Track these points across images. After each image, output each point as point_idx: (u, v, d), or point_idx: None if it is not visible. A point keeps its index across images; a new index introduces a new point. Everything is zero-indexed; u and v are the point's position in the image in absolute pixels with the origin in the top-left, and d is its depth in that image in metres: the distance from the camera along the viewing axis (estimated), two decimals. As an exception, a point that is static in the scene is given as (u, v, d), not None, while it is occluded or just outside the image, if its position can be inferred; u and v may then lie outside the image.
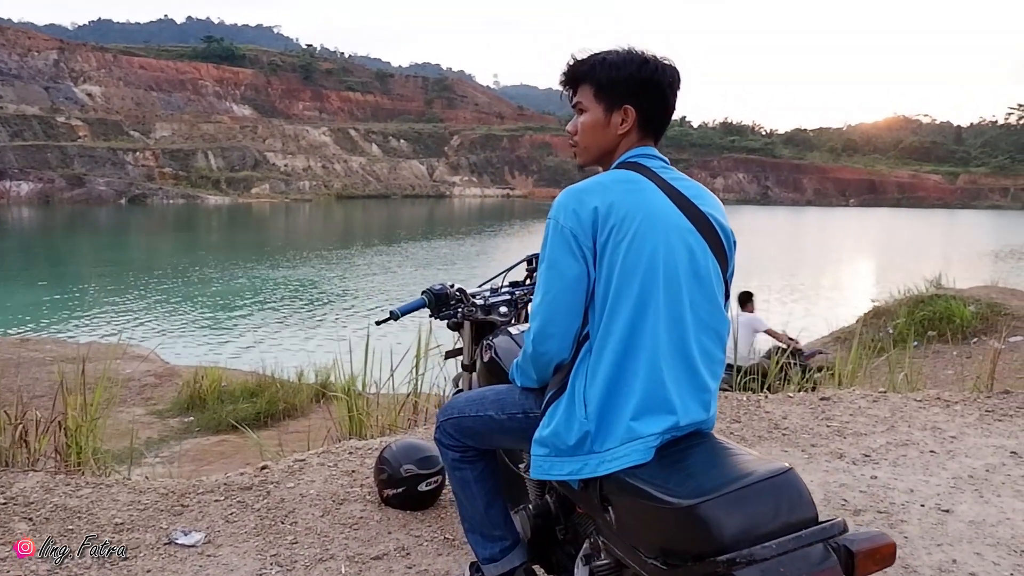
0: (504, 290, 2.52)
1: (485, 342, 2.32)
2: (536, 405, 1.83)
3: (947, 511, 3.22)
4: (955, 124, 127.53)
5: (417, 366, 4.77)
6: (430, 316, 2.43)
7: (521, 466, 2.19)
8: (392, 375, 4.77)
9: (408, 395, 4.77)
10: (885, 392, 5.09)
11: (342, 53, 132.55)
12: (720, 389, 6.86)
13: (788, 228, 55.99)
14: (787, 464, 1.44)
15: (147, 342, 14.89)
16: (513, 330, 2.28)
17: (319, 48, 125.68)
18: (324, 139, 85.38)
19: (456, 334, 2.60)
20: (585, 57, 1.80)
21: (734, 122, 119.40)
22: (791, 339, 8.99)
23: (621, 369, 1.61)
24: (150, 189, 65.40)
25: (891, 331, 11.64)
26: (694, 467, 1.50)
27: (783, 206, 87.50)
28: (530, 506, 2.14)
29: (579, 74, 1.82)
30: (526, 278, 2.60)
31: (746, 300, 9.04)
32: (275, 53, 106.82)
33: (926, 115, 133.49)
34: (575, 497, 1.74)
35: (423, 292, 2.39)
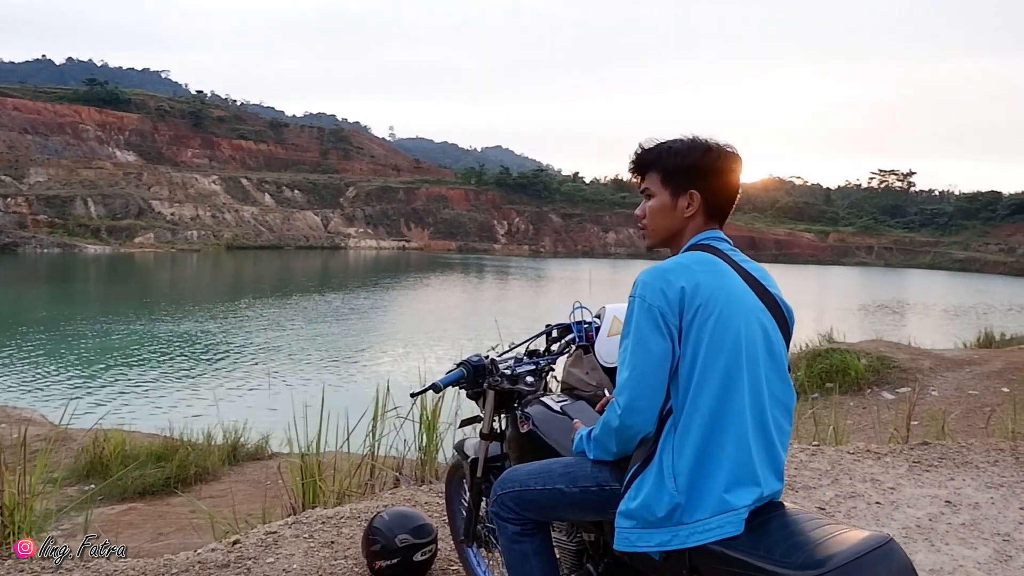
0: (528, 360, 2.55)
1: (519, 412, 2.34)
2: (612, 478, 1.87)
3: (908, 561, 3.42)
4: (824, 186, 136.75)
5: (374, 430, 4.67)
6: (461, 388, 2.44)
7: (558, 535, 2.21)
8: (348, 438, 4.64)
9: (364, 458, 4.66)
10: (819, 445, 5.37)
11: (234, 100, 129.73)
12: None
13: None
14: (888, 533, 1.53)
15: (24, 402, 13.86)
16: (549, 400, 2.31)
17: (210, 94, 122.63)
18: (214, 187, 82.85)
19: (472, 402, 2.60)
20: (652, 146, 1.92)
21: (624, 179, 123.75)
22: None
23: (709, 443, 1.69)
24: (22, 237, 61.42)
25: (793, 384, 12.26)
26: (792, 538, 1.57)
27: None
28: None
29: (646, 162, 1.93)
30: (546, 349, 2.65)
31: None
32: (163, 98, 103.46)
33: (798, 177, 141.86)
34: (652, 568, 1.78)
35: (461, 364, 2.41)
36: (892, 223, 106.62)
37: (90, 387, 15.91)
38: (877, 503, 4.18)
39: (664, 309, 1.72)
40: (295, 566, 3.11)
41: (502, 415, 2.53)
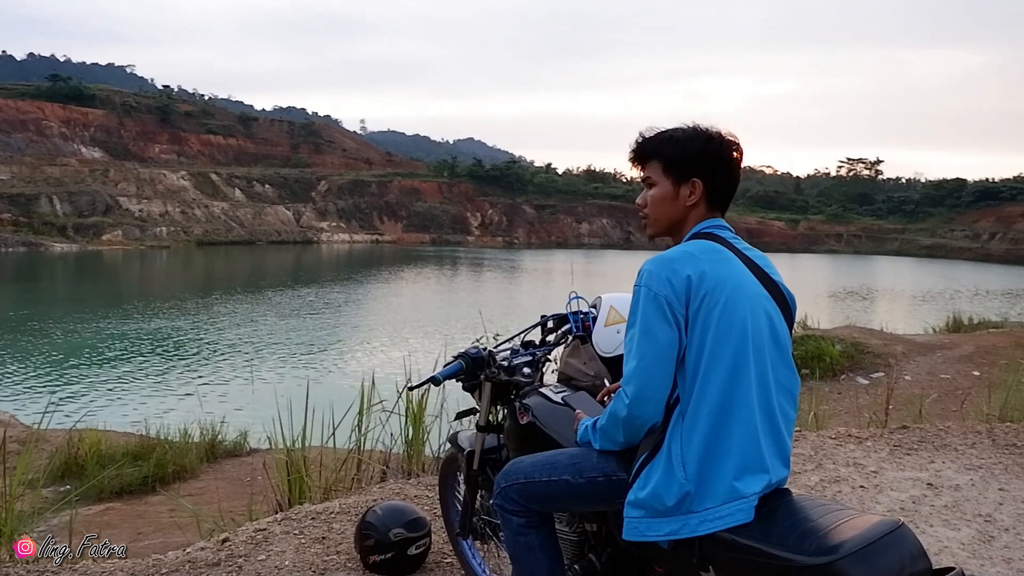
0: (524, 351, 2.54)
1: (518, 404, 2.32)
2: (619, 468, 1.87)
3: (894, 543, 3.47)
4: (794, 175, 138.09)
5: (360, 424, 4.64)
6: (458, 380, 2.42)
7: (559, 526, 2.21)
8: (334, 433, 4.60)
9: (350, 453, 4.62)
10: (801, 431, 5.43)
11: (202, 95, 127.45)
12: None
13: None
14: (900, 519, 1.55)
15: (-4, 404, 13.59)
16: (547, 391, 2.31)
17: (176, 89, 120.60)
18: (183, 183, 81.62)
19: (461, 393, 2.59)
20: (653, 135, 1.91)
21: (597, 169, 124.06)
22: None
23: (718, 431, 1.69)
24: (-14, 237, 60.16)
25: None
26: (804, 524, 1.58)
27: (645, 250, 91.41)
28: (576, 566, 2.15)
29: (648, 151, 1.92)
30: (542, 340, 2.64)
31: None
32: (128, 93, 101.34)
33: (768, 167, 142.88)
34: (660, 557, 1.78)
35: (459, 356, 2.39)
36: (860, 211, 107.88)
37: (61, 387, 15.64)
38: (861, 487, 4.24)
39: (670, 298, 1.72)
40: (287, 563, 3.08)
41: (498, 407, 2.52)
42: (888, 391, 6.40)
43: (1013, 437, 5.24)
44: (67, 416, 12.38)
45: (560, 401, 2.24)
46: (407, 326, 24.41)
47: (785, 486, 1.80)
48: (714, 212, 1.92)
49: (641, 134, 1.94)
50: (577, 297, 2.57)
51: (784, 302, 1.85)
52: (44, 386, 15.62)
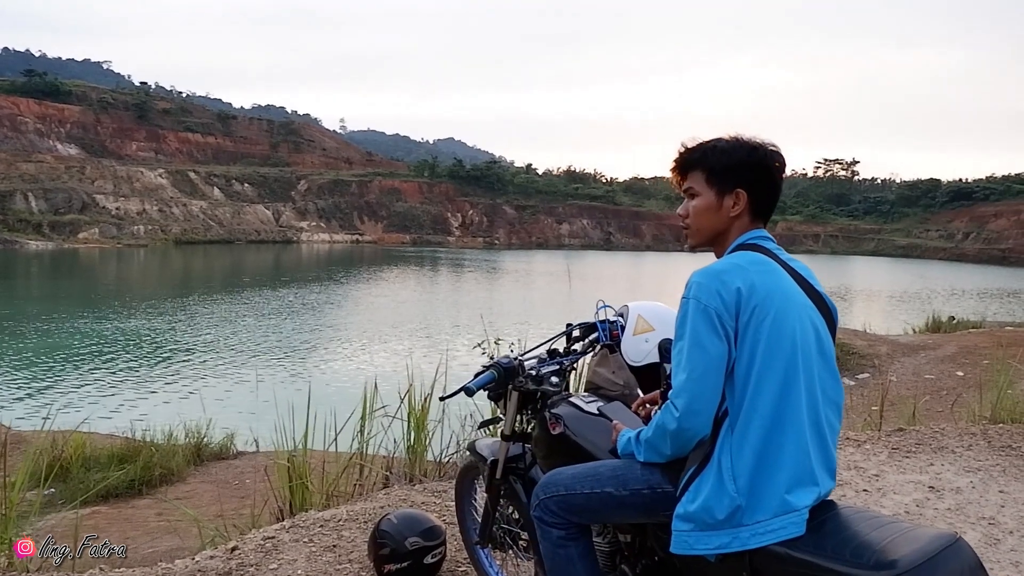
0: (551, 360, 2.52)
1: (548, 414, 2.30)
2: (664, 480, 1.85)
3: (903, 547, 3.49)
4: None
5: (363, 429, 4.59)
6: (486, 390, 2.39)
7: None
8: (336, 438, 4.55)
9: (352, 458, 4.57)
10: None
11: (180, 92, 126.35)
12: None
13: (632, 272, 58.69)
14: (956, 532, 1.54)
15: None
16: (578, 401, 2.28)
17: (154, 86, 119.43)
18: (161, 181, 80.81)
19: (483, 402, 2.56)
20: (695, 145, 1.90)
21: (577, 170, 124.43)
22: None
23: (769, 444, 1.68)
24: (-41, 234, 59.20)
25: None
26: (858, 537, 1.57)
27: (625, 251, 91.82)
28: None
29: (690, 161, 1.91)
30: (566, 349, 2.61)
31: None
32: (105, 90, 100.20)
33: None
34: (705, 571, 1.77)
35: (491, 366, 2.36)
36: (837, 211, 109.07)
37: (38, 388, 15.39)
38: (864, 491, 4.26)
39: (720, 310, 1.71)
40: (299, 571, 3.04)
41: (522, 416, 2.49)
42: (883, 393, 6.44)
43: (1008, 439, 5.29)
44: (59, 416, 12.20)
45: (595, 411, 2.22)
46: (393, 329, 24.26)
47: (829, 498, 1.79)
48: (757, 223, 1.92)
49: (683, 144, 1.93)
50: (605, 306, 2.56)
51: (828, 312, 1.85)
52: (20, 387, 15.37)
